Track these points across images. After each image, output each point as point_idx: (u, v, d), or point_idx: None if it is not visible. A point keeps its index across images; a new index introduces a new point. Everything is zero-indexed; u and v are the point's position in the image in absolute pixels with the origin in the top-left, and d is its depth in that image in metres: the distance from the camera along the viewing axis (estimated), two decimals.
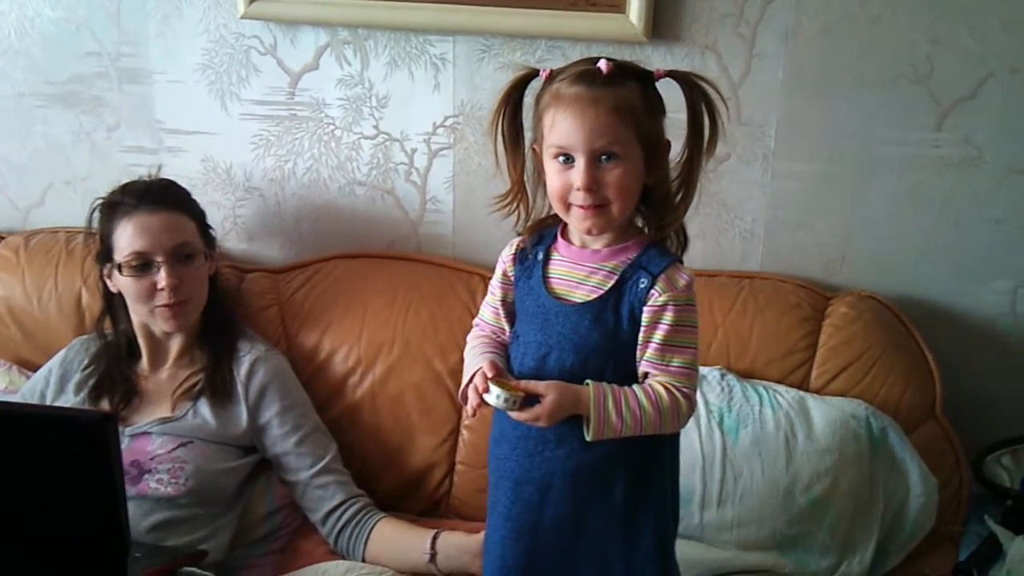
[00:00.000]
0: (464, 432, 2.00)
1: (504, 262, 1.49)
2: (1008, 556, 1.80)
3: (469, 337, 1.52)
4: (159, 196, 1.85)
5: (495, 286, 1.51)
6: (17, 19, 2.21)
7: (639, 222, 1.43)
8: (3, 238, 2.25)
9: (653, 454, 1.43)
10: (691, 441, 1.85)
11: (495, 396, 1.34)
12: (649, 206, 1.41)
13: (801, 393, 1.91)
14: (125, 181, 1.90)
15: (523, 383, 1.36)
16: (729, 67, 1.98)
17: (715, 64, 1.98)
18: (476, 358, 1.44)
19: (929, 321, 2.04)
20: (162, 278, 1.79)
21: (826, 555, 1.82)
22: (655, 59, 1.98)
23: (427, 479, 2.01)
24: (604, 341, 1.38)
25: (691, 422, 1.85)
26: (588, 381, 1.35)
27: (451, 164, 2.15)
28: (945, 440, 1.95)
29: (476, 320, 1.54)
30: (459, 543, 1.70)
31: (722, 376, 1.91)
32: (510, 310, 1.49)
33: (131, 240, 1.79)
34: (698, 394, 1.86)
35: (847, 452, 1.83)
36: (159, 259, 1.79)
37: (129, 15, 2.16)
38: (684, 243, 1.44)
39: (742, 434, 1.85)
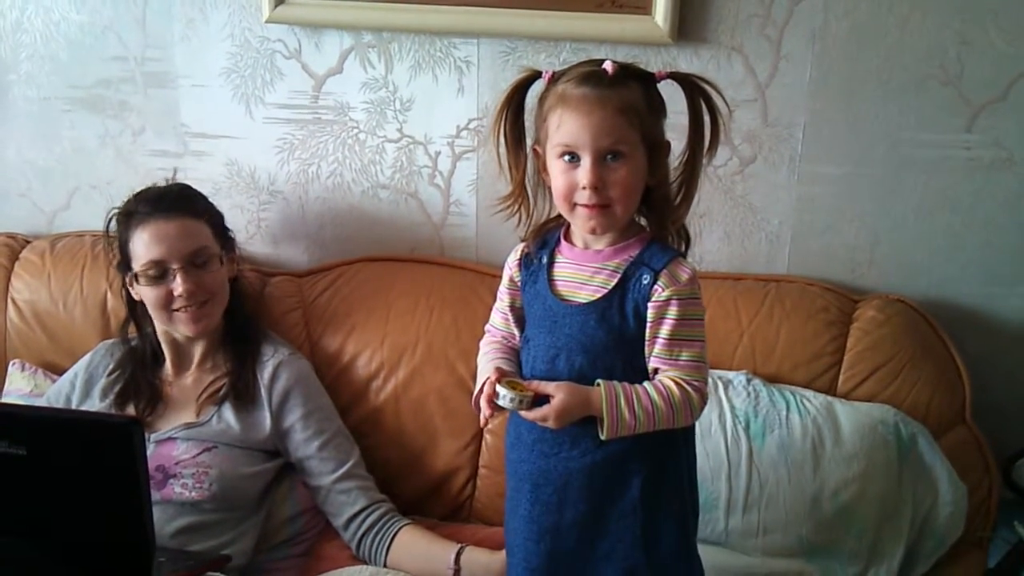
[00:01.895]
0: (487, 436, 2.00)
1: (511, 268, 1.52)
2: None
3: (481, 344, 1.54)
4: (173, 203, 1.84)
5: (503, 292, 1.54)
6: (43, 23, 2.22)
7: (640, 221, 1.45)
8: (29, 242, 2.27)
9: (668, 450, 1.44)
10: (717, 446, 1.84)
11: (503, 397, 1.36)
12: (649, 206, 1.43)
13: (828, 398, 1.89)
14: (139, 189, 1.90)
15: (533, 384, 1.38)
16: (756, 69, 1.97)
17: (741, 66, 1.97)
18: (486, 365, 1.47)
19: (958, 325, 2.02)
20: (178, 284, 1.79)
21: (853, 562, 1.80)
22: (681, 61, 1.97)
23: (450, 483, 2.01)
24: (611, 339, 1.39)
25: (717, 427, 1.85)
26: (599, 381, 1.37)
27: (475, 167, 2.15)
28: (974, 445, 1.93)
29: (487, 327, 1.56)
30: (484, 561, 1.68)
31: (748, 381, 1.90)
32: (519, 315, 1.52)
33: (146, 249, 1.80)
34: (724, 399, 1.87)
35: (875, 458, 1.81)
36: (175, 266, 1.79)
37: (154, 19, 2.17)
38: (686, 240, 1.45)
39: (768, 440, 1.84)
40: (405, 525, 1.80)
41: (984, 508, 1.91)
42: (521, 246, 1.51)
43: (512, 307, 1.52)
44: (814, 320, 1.95)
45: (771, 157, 2.02)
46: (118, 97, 2.25)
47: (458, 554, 1.70)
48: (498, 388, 1.36)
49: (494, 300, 1.52)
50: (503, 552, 1.58)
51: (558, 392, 1.35)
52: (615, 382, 1.37)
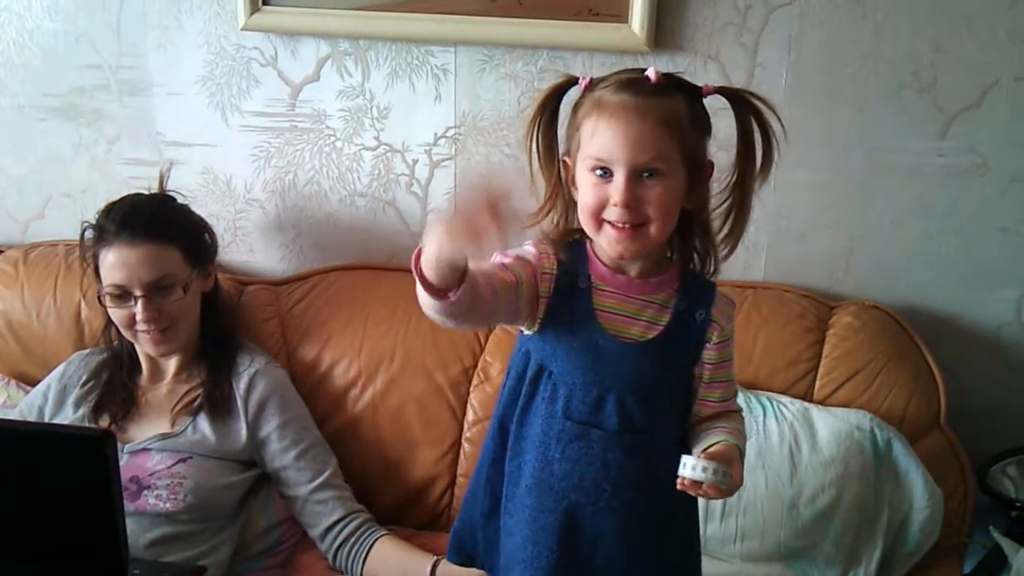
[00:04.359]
0: (465, 445, 1.99)
1: (536, 268, 1.29)
2: (1014, 568, 1.78)
3: None
4: (141, 224, 1.80)
5: (520, 265, 1.28)
6: (17, 31, 2.21)
7: (668, 251, 1.35)
8: (2, 251, 2.25)
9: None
10: None
11: (703, 469, 1.19)
12: (684, 233, 1.32)
13: (805, 404, 1.90)
14: (114, 200, 1.87)
15: (708, 452, 1.25)
16: (732, 77, 1.97)
17: (717, 74, 1.97)
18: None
19: (934, 331, 2.03)
20: (139, 310, 1.77)
21: (831, 567, 1.81)
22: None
23: (428, 492, 2.00)
24: (664, 379, 1.32)
25: None
26: (724, 439, 1.29)
27: (452, 175, 2.14)
28: (950, 450, 1.94)
29: None
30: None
31: None
32: (529, 296, 1.29)
33: (109, 272, 1.78)
34: None
35: (852, 463, 1.82)
36: (137, 292, 1.77)
37: (129, 27, 2.16)
38: (716, 262, 1.34)
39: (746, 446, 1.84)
40: (382, 536, 1.79)
41: (960, 513, 1.92)
42: (550, 251, 1.31)
43: (529, 287, 1.28)
44: (791, 326, 1.96)
45: None
46: (92, 105, 2.23)
47: (433, 566, 1.70)
48: (698, 462, 1.20)
49: None
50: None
51: (734, 463, 1.24)
52: (732, 436, 1.30)
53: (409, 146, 2.15)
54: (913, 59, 1.92)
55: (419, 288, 1.14)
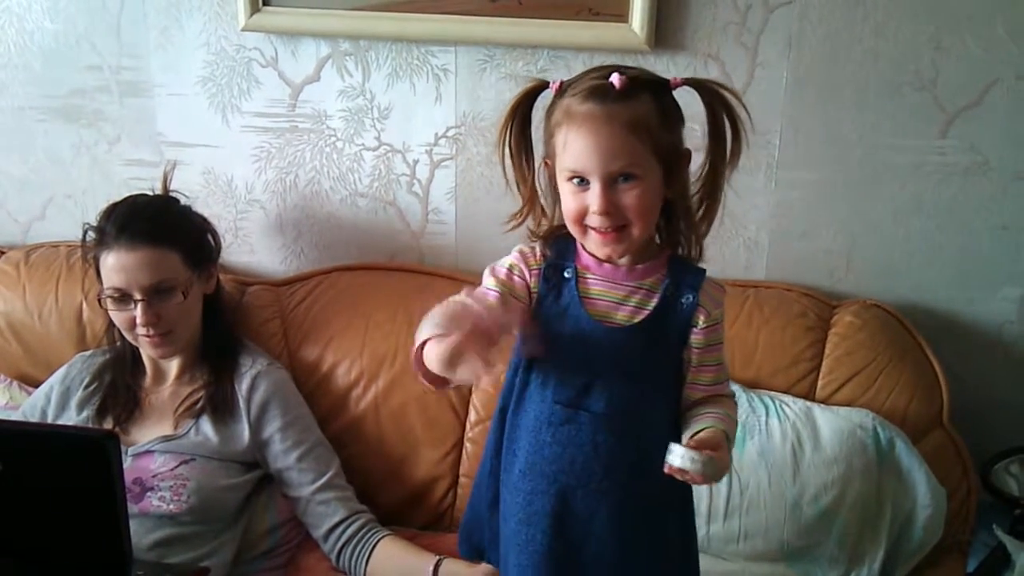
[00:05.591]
0: (468, 445, 1.99)
1: (525, 269, 1.35)
2: (1017, 566, 1.79)
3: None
4: (141, 228, 1.79)
5: (509, 279, 1.35)
6: (17, 33, 2.21)
7: (656, 236, 1.37)
8: (3, 252, 2.25)
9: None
10: None
11: (691, 460, 1.20)
12: (668, 220, 1.35)
13: (807, 403, 1.90)
14: (115, 201, 1.86)
15: (694, 440, 1.26)
16: (732, 76, 1.97)
17: (718, 73, 1.97)
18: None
19: (935, 329, 2.03)
20: (138, 314, 1.77)
21: (834, 566, 1.81)
22: (658, 68, 1.95)
23: (430, 492, 2.00)
24: (650, 362, 1.33)
25: None
26: (712, 425, 1.29)
27: (453, 175, 2.14)
28: (952, 449, 1.94)
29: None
30: (462, 574, 1.65)
31: None
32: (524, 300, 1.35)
33: (109, 275, 1.78)
34: None
35: (854, 462, 1.82)
36: (136, 296, 1.77)
37: (129, 28, 2.16)
38: (701, 251, 1.37)
39: (748, 445, 1.84)
40: (385, 537, 1.78)
41: (963, 512, 1.92)
42: (537, 248, 1.36)
43: (514, 297, 1.33)
44: (792, 326, 1.96)
45: (748, 163, 2.01)
46: (93, 106, 2.23)
47: (436, 566, 1.69)
48: (686, 452, 1.21)
49: None
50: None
51: (720, 448, 1.25)
52: (720, 422, 1.30)
53: (410, 146, 2.15)
54: (913, 57, 1.92)
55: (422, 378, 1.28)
